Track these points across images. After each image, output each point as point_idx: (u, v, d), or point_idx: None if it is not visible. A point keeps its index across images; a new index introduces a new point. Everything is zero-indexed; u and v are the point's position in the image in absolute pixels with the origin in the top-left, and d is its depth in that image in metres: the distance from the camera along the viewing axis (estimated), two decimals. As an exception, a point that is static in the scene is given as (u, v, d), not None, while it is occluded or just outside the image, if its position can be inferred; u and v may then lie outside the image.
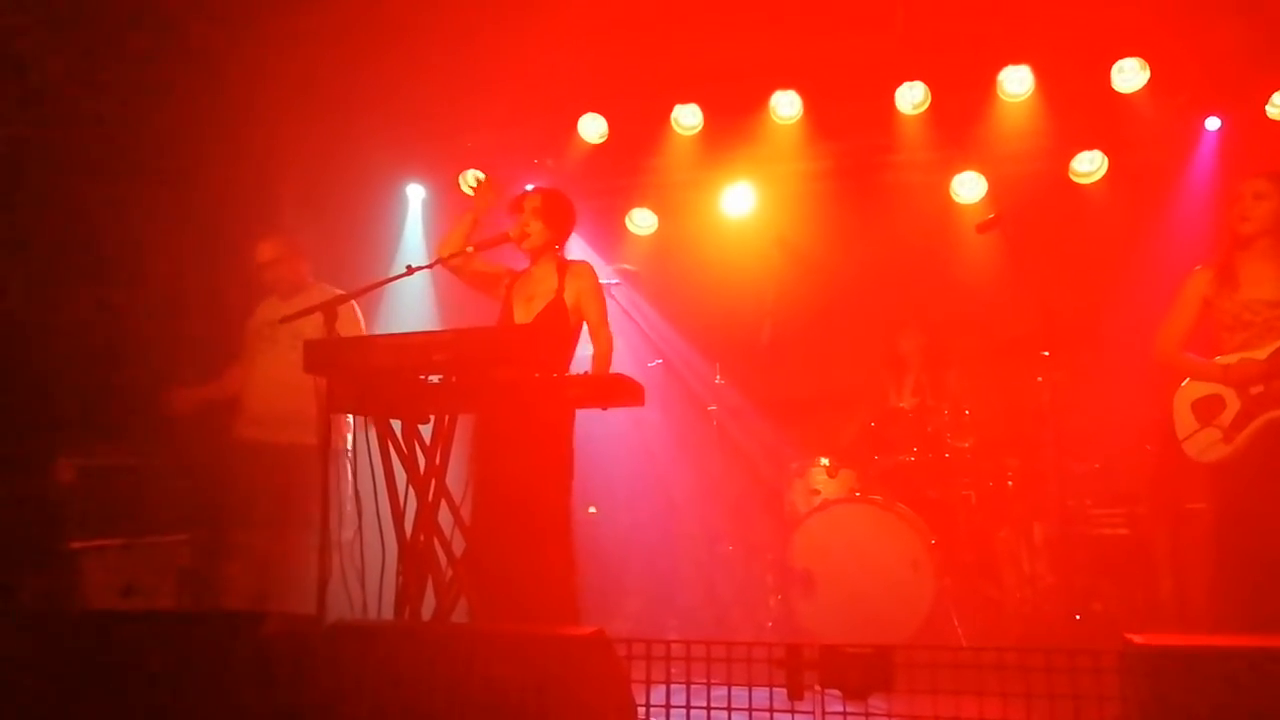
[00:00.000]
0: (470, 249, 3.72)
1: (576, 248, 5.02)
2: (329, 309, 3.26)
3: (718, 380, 5.25)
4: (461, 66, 5.29)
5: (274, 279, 4.52)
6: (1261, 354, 3.52)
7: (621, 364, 4.24)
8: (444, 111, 5.67)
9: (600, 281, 4.61)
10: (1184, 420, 3.66)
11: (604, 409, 3.43)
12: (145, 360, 4.41)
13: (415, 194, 6.28)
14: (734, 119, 5.78)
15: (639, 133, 5.91)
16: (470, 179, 3.83)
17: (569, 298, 3.70)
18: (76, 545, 3.96)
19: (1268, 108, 5.18)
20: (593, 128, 5.89)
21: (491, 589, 3.17)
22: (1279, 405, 3.48)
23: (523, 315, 3.71)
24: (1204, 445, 3.59)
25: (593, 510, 5.27)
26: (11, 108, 4.11)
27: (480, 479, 3.47)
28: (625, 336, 5.25)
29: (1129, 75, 5.22)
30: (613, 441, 5.54)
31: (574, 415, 3.57)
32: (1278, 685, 1.95)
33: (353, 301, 4.06)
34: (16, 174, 4.12)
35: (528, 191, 3.96)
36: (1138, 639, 2.13)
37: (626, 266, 5.01)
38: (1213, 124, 5.38)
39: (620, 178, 6.18)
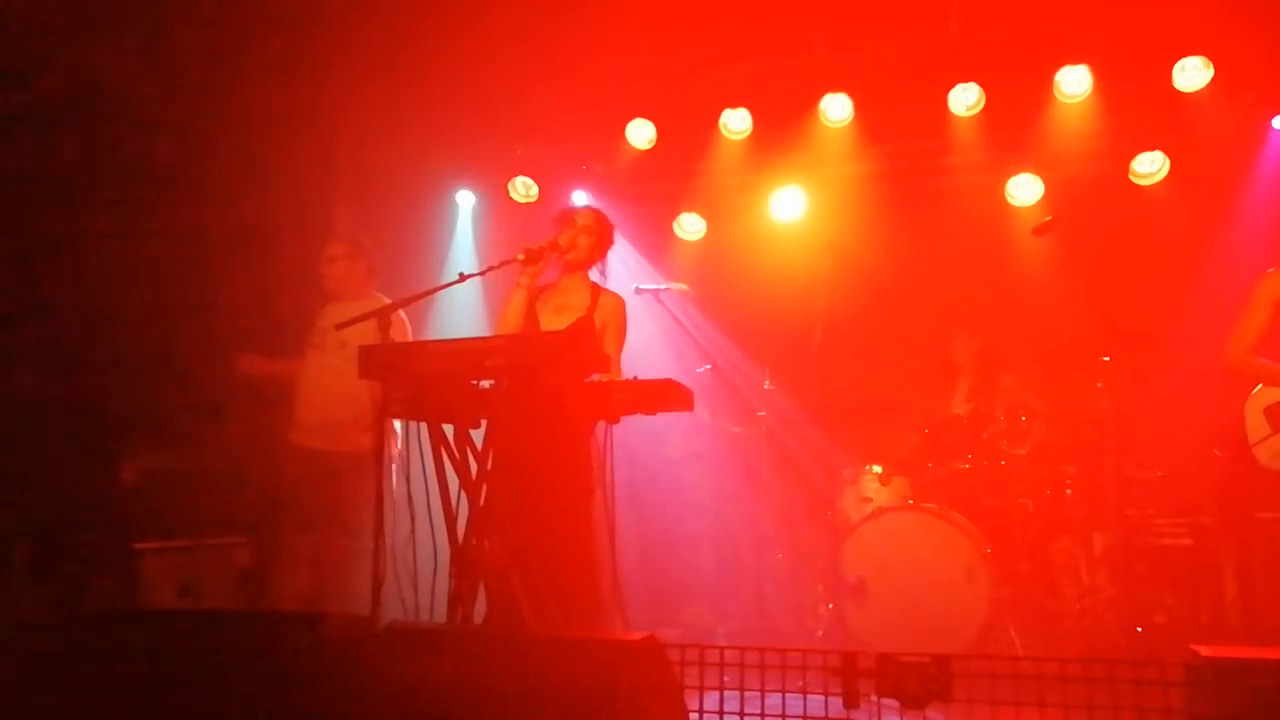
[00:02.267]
0: (521, 257, 3.73)
1: (620, 256, 4.96)
2: (383, 315, 3.30)
3: (767, 386, 5.22)
4: (511, 73, 5.33)
5: (334, 278, 4.49)
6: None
7: (670, 369, 4.23)
8: (494, 118, 5.72)
9: (646, 288, 4.66)
10: (1256, 426, 3.56)
11: (652, 414, 3.43)
12: (205, 365, 4.51)
13: (465, 200, 6.35)
14: (783, 123, 5.74)
15: (687, 138, 5.90)
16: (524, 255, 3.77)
17: (598, 320, 3.72)
18: (140, 546, 4.06)
19: (1339, 106, 5.04)
20: (641, 133, 5.89)
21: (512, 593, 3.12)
22: (1356, 412, 3.37)
23: (550, 325, 3.70)
24: (1277, 452, 3.49)
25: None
26: (77, 112, 4.22)
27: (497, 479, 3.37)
28: (673, 342, 5.25)
29: (1191, 74, 5.10)
30: (662, 450, 5.53)
31: (594, 424, 3.44)
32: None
33: (401, 311, 4.05)
34: (72, 185, 4.23)
35: (579, 209, 4.03)
36: (1204, 650, 2.06)
37: (682, 286, 4.96)
38: (1280, 123, 5.24)
39: (668, 183, 6.18)
